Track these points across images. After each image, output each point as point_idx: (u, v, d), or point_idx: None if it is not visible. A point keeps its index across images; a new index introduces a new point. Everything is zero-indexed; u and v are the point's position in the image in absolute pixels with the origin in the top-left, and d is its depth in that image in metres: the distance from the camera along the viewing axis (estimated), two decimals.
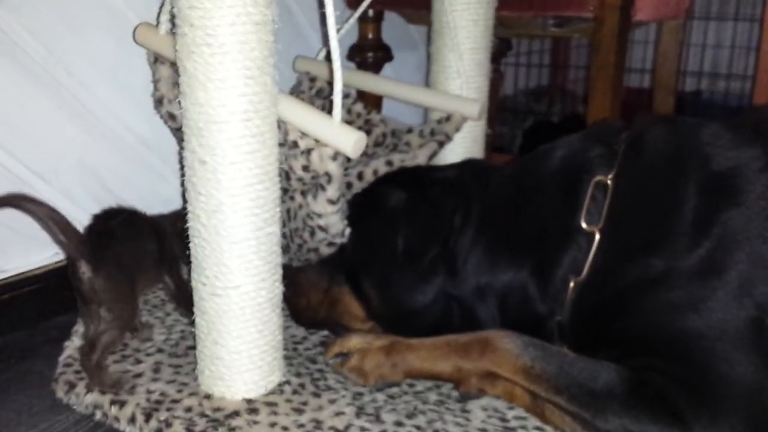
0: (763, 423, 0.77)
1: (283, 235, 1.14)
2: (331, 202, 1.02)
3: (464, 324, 1.02)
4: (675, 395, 0.79)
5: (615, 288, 0.92)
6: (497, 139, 1.71)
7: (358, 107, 1.37)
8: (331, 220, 1.04)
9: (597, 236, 0.93)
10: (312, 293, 1.14)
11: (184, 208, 0.97)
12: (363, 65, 1.61)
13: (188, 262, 0.96)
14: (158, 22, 1.13)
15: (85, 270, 0.99)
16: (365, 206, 1.11)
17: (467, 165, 1.15)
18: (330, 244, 1.09)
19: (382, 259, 1.06)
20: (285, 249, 1.17)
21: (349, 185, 1.18)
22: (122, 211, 1.11)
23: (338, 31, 0.92)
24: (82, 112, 1.23)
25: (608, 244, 0.93)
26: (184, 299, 1.10)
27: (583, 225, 0.94)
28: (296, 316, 1.17)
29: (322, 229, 1.06)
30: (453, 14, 1.29)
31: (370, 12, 1.58)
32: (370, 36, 1.61)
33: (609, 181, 0.94)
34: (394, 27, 1.75)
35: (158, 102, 1.15)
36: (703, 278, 0.84)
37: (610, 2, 1.41)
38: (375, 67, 1.64)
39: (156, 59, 1.15)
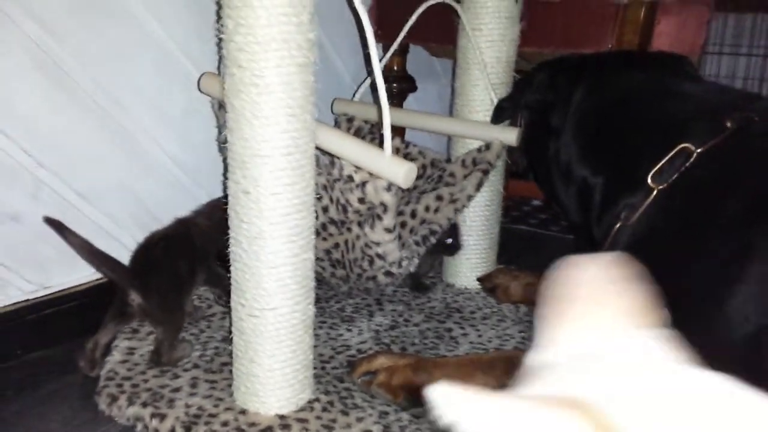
0: None
1: (343, 266, 1.21)
2: (388, 230, 1.08)
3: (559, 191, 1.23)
4: None
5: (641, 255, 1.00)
6: (515, 166, 1.77)
7: (396, 142, 1.44)
8: (388, 248, 1.11)
9: (653, 194, 1.00)
10: None
11: (217, 199, 1.19)
12: (388, 96, 1.67)
13: (225, 251, 1.03)
14: (220, 71, 1.20)
15: (134, 297, 1.13)
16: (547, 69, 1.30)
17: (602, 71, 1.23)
18: (387, 273, 1.15)
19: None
20: (345, 279, 1.25)
21: (403, 224, 1.25)
22: (161, 238, 1.23)
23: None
24: (124, 137, 1.30)
25: (657, 208, 1.00)
26: (219, 283, 1.29)
27: (649, 181, 1.01)
28: None
29: (380, 257, 1.13)
30: (478, 50, 1.36)
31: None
32: (396, 68, 1.68)
33: (695, 153, 0.99)
34: (417, 58, 1.82)
35: (224, 143, 1.22)
36: (715, 286, 0.88)
37: (628, 39, 1.47)
38: (399, 97, 1.70)
39: (220, 106, 1.22)
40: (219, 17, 0.93)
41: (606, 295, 0.35)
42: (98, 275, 1.31)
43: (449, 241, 1.40)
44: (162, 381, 1.09)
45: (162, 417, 1.00)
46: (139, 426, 1.01)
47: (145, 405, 1.02)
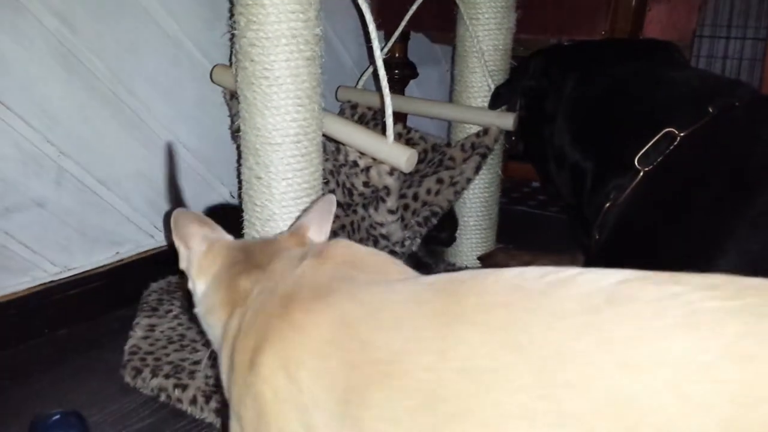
0: None
1: None
2: (391, 212, 1.15)
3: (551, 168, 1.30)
4: None
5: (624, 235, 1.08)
6: (513, 149, 1.84)
7: (398, 127, 1.51)
8: (392, 228, 1.18)
9: (640, 176, 1.07)
10: None
11: None
12: (390, 82, 1.73)
13: None
14: (231, 63, 1.26)
15: None
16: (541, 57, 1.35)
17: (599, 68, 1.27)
18: (391, 252, 1.23)
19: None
20: None
21: (406, 206, 1.32)
22: (226, 206, 1.37)
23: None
24: (140, 127, 1.37)
25: (643, 189, 1.07)
26: None
27: (636, 163, 1.08)
28: None
29: (384, 237, 1.20)
30: (476, 39, 1.42)
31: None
32: (397, 54, 1.73)
33: (679, 137, 1.05)
34: (418, 44, 1.88)
35: (236, 131, 1.29)
36: (698, 260, 0.95)
37: (620, 26, 1.53)
38: (401, 83, 1.76)
39: (232, 96, 1.29)
40: (231, 14, 0.99)
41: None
42: (117, 258, 1.38)
43: (443, 235, 1.48)
44: (182, 355, 1.16)
45: (184, 387, 1.07)
46: (163, 396, 1.09)
47: (167, 377, 1.10)
